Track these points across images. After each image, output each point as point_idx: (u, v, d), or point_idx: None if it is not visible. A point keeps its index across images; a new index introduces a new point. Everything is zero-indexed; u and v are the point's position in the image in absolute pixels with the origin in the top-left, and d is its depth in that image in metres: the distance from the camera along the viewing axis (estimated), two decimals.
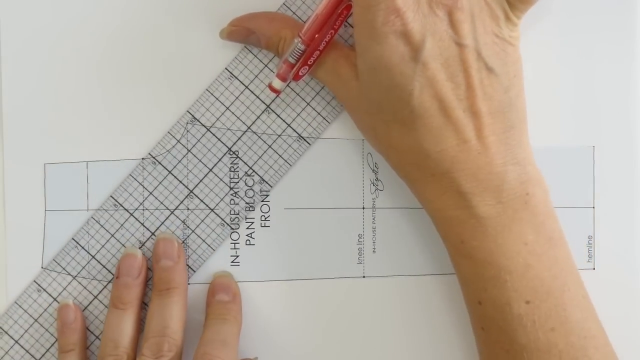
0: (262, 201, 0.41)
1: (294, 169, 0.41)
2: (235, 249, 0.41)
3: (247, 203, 0.40)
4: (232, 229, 0.41)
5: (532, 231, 0.35)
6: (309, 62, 0.37)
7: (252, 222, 0.41)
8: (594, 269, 0.42)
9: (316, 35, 0.36)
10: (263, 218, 0.41)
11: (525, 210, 0.35)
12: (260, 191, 0.40)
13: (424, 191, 0.35)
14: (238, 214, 0.41)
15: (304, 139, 0.40)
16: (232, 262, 0.41)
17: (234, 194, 0.40)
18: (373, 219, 0.41)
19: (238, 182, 0.40)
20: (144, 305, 0.40)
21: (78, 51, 0.40)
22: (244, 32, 0.38)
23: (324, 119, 0.40)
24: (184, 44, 0.40)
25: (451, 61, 0.34)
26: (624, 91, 0.42)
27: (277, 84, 0.38)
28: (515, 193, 0.34)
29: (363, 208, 0.41)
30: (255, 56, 0.40)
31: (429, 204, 0.36)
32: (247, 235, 0.41)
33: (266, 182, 0.40)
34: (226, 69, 0.40)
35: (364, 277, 0.41)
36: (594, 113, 0.42)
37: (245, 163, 0.40)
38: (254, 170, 0.40)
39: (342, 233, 0.41)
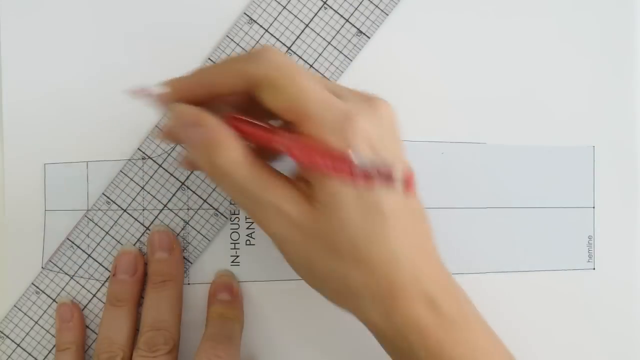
0: None
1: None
2: (235, 249, 0.41)
3: None
4: (225, 218, 0.40)
5: (476, 309, 0.34)
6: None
7: (253, 222, 0.40)
8: (594, 269, 0.42)
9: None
10: None
11: (464, 295, 0.34)
12: None
13: (394, 305, 0.32)
14: (231, 203, 0.41)
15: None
16: (232, 262, 0.41)
17: None
18: None
19: None
20: (141, 301, 0.39)
21: (78, 51, 0.40)
22: None
23: None
24: (181, 43, 0.40)
25: None
26: (624, 91, 0.42)
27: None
28: (455, 286, 0.34)
29: None
30: (238, 44, 0.40)
31: (401, 318, 0.32)
32: (247, 235, 0.41)
33: None
34: (209, 58, 0.40)
35: None
36: (594, 113, 0.42)
37: None
38: None
39: None
